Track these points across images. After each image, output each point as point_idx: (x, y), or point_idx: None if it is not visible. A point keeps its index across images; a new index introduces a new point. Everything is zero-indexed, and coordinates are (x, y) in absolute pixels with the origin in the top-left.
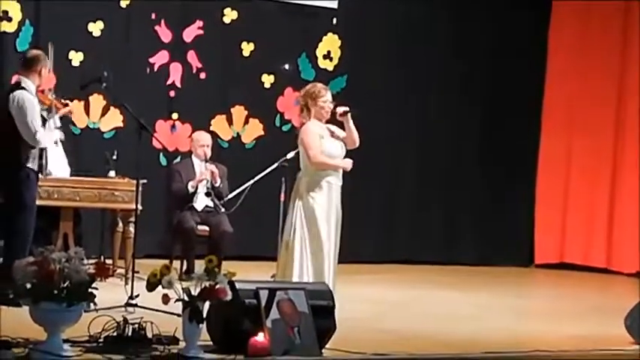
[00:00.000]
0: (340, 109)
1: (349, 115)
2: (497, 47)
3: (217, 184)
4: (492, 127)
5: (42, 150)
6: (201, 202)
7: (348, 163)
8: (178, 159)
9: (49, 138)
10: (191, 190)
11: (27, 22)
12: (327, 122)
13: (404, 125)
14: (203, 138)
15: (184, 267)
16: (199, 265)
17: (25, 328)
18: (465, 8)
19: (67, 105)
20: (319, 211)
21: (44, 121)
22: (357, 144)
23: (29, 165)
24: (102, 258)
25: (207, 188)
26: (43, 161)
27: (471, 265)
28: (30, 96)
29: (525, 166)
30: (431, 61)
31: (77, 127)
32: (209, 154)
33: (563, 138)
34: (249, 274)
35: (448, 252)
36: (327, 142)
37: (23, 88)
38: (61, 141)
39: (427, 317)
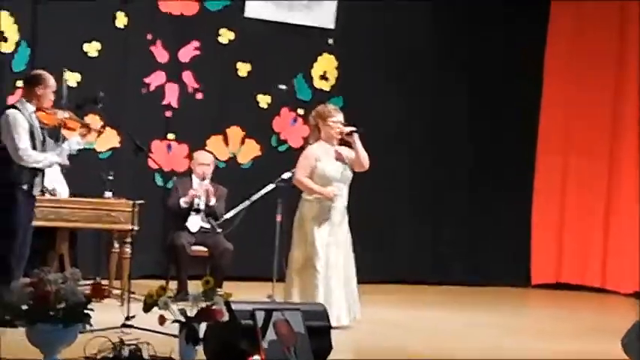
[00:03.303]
0: (346, 129)
1: (356, 135)
2: (493, 70)
3: (211, 203)
4: (488, 147)
5: (36, 170)
6: (195, 223)
7: (329, 193)
8: (174, 179)
9: (55, 159)
10: (184, 205)
11: (23, 42)
12: (342, 144)
13: (400, 145)
14: (202, 157)
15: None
16: (194, 286)
17: (22, 349)
18: (462, 32)
19: (86, 126)
20: (317, 233)
21: (44, 141)
22: (366, 166)
23: (21, 186)
24: (98, 279)
25: (197, 205)
26: (37, 181)
27: (467, 285)
28: (18, 115)
29: (521, 186)
30: (428, 81)
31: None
32: (208, 173)
33: (559, 158)
34: (245, 294)
35: (444, 272)
36: (325, 165)
37: (16, 108)
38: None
39: (424, 337)
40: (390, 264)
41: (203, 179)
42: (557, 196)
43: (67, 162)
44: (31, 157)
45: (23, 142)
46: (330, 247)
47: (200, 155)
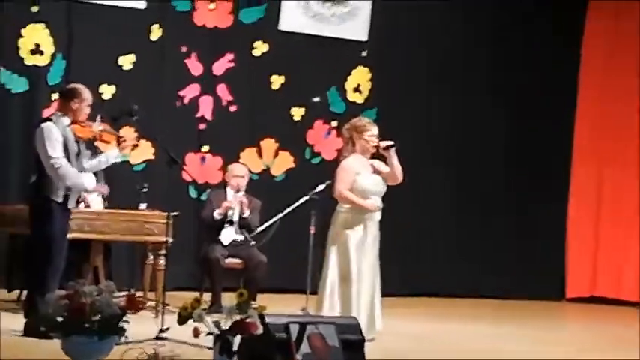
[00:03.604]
0: (383, 144)
1: (393, 150)
2: (528, 83)
3: (245, 216)
4: (522, 159)
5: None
6: (228, 235)
7: (373, 206)
8: (208, 192)
9: (89, 183)
10: (218, 217)
11: (59, 55)
12: (373, 157)
13: (434, 157)
14: (237, 169)
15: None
16: (228, 298)
17: None
18: (497, 44)
19: (120, 138)
20: (352, 246)
21: (79, 154)
22: (400, 180)
23: (54, 198)
24: (132, 290)
25: (231, 217)
26: (71, 194)
27: (500, 298)
28: (52, 127)
29: (556, 199)
30: (461, 91)
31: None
32: (242, 185)
33: (594, 170)
34: (278, 306)
35: (477, 285)
36: (364, 179)
37: (51, 121)
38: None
39: (455, 351)
40: (421, 276)
41: (237, 191)
42: (593, 209)
43: (103, 189)
44: (63, 168)
45: (56, 153)
46: (363, 259)
47: (234, 167)
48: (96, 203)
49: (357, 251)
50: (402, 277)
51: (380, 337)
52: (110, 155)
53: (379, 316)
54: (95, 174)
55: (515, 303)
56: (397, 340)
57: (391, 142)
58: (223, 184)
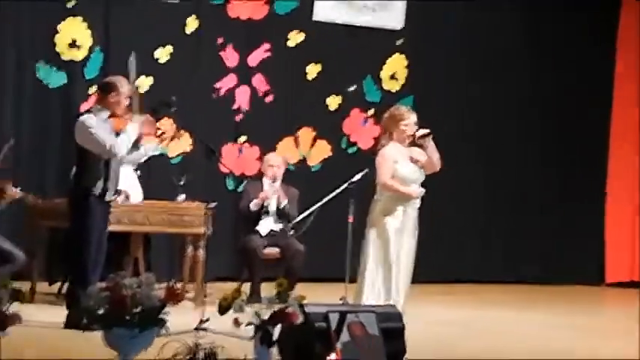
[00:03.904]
0: (420, 132)
1: (429, 138)
2: (565, 70)
3: (282, 205)
4: (560, 145)
5: (107, 176)
6: (266, 225)
7: (416, 191)
8: (245, 183)
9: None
10: (255, 208)
11: (96, 49)
12: (412, 145)
13: (471, 144)
14: (272, 159)
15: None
16: (267, 288)
17: (98, 352)
18: (533, 29)
19: (156, 128)
20: (391, 235)
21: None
22: (438, 168)
23: (93, 191)
24: (171, 282)
25: (268, 207)
26: (109, 186)
27: (540, 284)
28: (92, 118)
29: (595, 184)
30: (498, 78)
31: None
32: (279, 175)
33: (632, 156)
34: (317, 296)
35: (516, 271)
36: (402, 167)
37: (90, 112)
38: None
39: (497, 338)
40: (459, 263)
41: (274, 181)
42: (631, 194)
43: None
44: (118, 144)
45: (107, 139)
46: (403, 246)
47: (270, 157)
48: (136, 194)
49: (396, 239)
50: (440, 264)
51: (424, 326)
52: (149, 148)
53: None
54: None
55: (555, 289)
56: (437, 327)
57: (427, 131)
58: (260, 175)
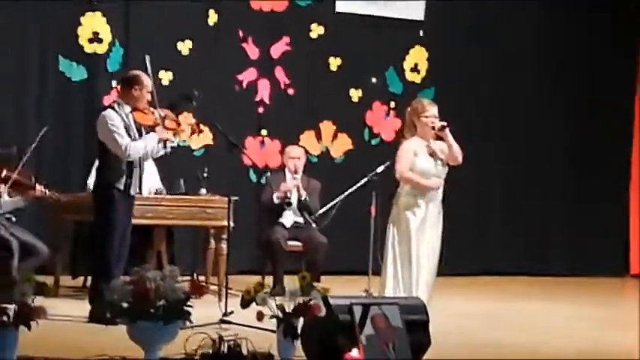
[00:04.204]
0: (438, 125)
1: (447, 130)
2: (587, 62)
3: (304, 198)
4: (585, 137)
5: (131, 170)
6: (289, 218)
7: (435, 183)
8: (268, 175)
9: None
10: (277, 200)
11: (117, 42)
12: (438, 138)
13: (493, 135)
14: (293, 151)
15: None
16: (289, 280)
17: (123, 346)
18: (556, 23)
19: (177, 123)
20: (413, 227)
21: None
22: (459, 160)
23: (116, 185)
24: (194, 275)
25: (290, 199)
26: (133, 181)
27: (564, 275)
28: (113, 113)
29: (619, 175)
30: (520, 71)
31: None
32: (300, 167)
33: None
34: (340, 288)
35: (539, 262)
36: (421, 160)
37: (112, 108)
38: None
39: (521, 329)
40: (483, 255)
41: (295, 173)
42: None
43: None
44: (134, 147)
45: (123, 137)
46: (423, 240)
47: (291, 149)
48: (155, 186)
49: (418, 232)
50: (462, 256)
51: (449, 318)
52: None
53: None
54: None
55: (580, 280)
56: (461, 320)
57: (444, 123)
58: (282, 168)
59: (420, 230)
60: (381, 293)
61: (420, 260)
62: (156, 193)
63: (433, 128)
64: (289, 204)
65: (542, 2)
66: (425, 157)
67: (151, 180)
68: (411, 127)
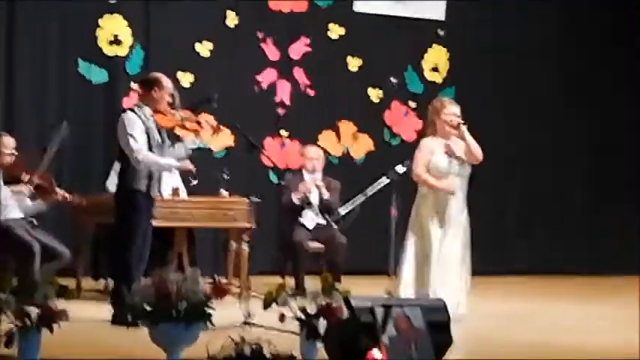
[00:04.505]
0: (454, 122)
1: (464, 127)
2: (608, 55)
3: (325, 198)
4: (606, 133)
5: (151, 171)
6: (310, 219)
7: (447, 186)
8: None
9: (174, 164)
10: (297, 202)
11: (137, 45)
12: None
13: (514, 135)
14: (309, 151)
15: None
16: (312, 282)
17: (145, 348)
18: (574, 21)
19: (198, 123)
20: (430, 229)
21: (163, 143)
22: (479, 158)
23: (137, 187)
24: (215, 276)
25: (310, 200)
26: (154, 182)
27: (589, 275)
28: (134, 117)
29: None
30: (541, 71)
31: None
32: (318, 167)
33: None
34: (360, 289)
35: (565, 262)
36: (437, 158)
37: (132, 110)
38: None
39: (552, 330)
40: (509, 255)
41: (313, 173)
42: None
43: (189, 166)
44: (147, 157)
45: (138, 143)
46: (446, 240)
47: (308, 150)
48: (180, 194)
49: (437, 232)
50: (490, 258)
51: (477, 318)
52: (187, 142)
53: (464, 296)
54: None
55: (604, 280)
56: (496, 321)
57: (460, 120)
58: (302, 169)
59: (440, 230)
60: (401, 294)
61: (441, 261)
62: (173, 193)
63: (452, 126)
64: (309, 204)
65: (562, 2)
66: (442, 156)
67: (171, 179)
68: (432, 126)
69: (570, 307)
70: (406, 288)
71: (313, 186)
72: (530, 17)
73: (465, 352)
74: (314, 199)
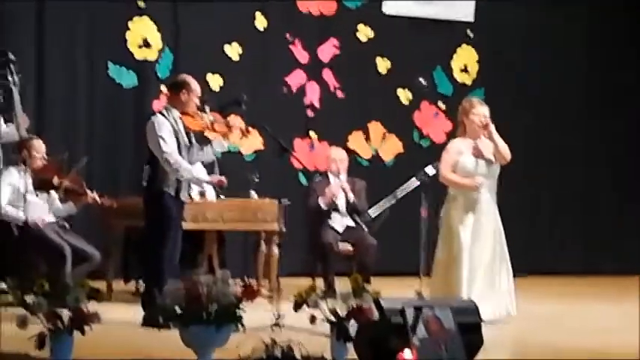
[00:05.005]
0: (482, 122)
1: (492, 128)
2: (634, 56)
3: (351, 200)
4: (635, 134)
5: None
6: (339, 222)
7: (472, 183)
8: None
9: (203, 178)
10: (324, 207)
11: (166, 49)
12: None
13: (543, 135)
14: (334, 153)
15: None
16: (342, 283)
17: (176, 349)
18: (602, 20)
19: (228, 126)
20: (459, 229)
21: (191, 146)
22: (508, 158)
23: (166, 190)
24: (245, 278)
25: (337, 202)
26: (183, 185)
27: (611, 274)
28: (163, 120)
29: None
30: (570, 71)
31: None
32: (343, 169)
33: None
34: (391, 290)
35: (595, 263)
36: (464, 159)
37: (161, 113)
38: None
39: (579, 331)
40: (534, 255)
41: (338, 175)
42: None
43: (220, 178)
44: (177, 162)
45: (169, 146)
46: (476, 240)
47: (333, 151)
48: (210, 196)
49: (467, 233)
50: (521, 256)
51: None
52: (216, 144)
53: (509, 296)
54: (208, 165)
55: (626, 280)
56: (519, 322)
57: (488, 120)
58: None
59: (471, 231)
60: (432, 295)
61: (473, 262)
62: (201, 196)
63: (480, 127)
64: (336, 209)
65: (592, 2)
66: (469, 157)
67: (208, 191)
68: (461, 126)
69: (597, 308)
70: (438, 290)
71: (339, 190)
72: (561, 17)
73: (503, 353)
74: (341, 202)
